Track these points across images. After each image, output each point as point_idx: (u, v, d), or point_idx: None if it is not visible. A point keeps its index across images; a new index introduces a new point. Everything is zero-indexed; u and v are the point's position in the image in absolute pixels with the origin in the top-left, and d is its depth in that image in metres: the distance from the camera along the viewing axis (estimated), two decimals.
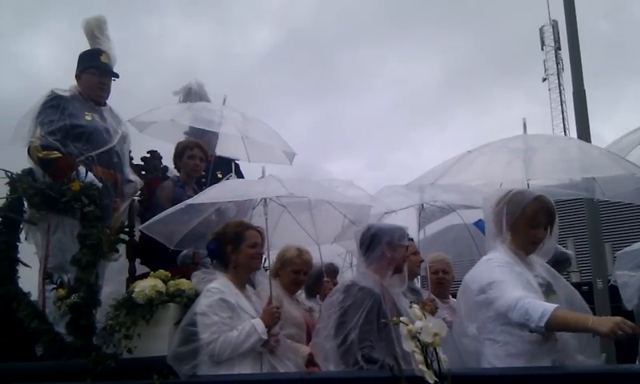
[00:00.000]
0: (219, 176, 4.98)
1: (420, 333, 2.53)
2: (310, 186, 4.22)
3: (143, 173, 4.66)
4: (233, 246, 3.42)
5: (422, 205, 4.63)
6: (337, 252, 4.77)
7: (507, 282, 2.69)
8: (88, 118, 4.30)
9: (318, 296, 4.58)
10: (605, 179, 4.14)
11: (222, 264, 3.46)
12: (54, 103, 4.25)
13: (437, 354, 2.52)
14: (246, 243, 3.41)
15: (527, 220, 2.87)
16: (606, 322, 2.32)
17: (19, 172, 4.12)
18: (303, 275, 4.02)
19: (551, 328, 2.53)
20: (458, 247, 5.07)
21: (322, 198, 4.03)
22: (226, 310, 3.19)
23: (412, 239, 4.19)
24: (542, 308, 2.51)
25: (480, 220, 4.41)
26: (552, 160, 3.67)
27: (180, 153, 4.55)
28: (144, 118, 4.60)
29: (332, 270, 4.97)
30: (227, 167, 5.14)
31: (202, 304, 3.20)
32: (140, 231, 4.15)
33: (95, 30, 4.58)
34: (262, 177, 3.94)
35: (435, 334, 2.53)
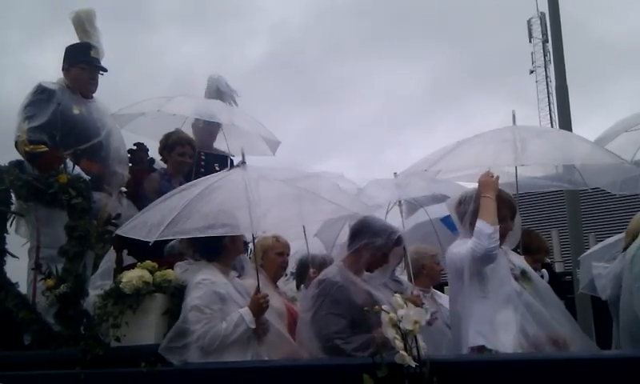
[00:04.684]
0: (217, 168, 4.89)
1: (400, 320, 2.63)
2: (286, 209, 3.63)
3: (130, 165, 4.65)
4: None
5: (400, 200, 4.61)
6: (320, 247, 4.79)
7: None
8: (76, 111, 4.33)
9: (302, 285, 4.63)
10: (589, 170, 4.29)
11: (213, 252, 3.45)
12: (42, 96, 4.27)
13: (416, 340, 2.62)
14: None
15: None
16: None
17: (6, 164, 4.14)
18: (286, 256, 4.10)
19: None
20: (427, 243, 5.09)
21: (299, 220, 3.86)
22: (217, 302, 3.24)
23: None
24: None
25: (449, 216, 4.45)
26: (542, 150, 3.84)
27: (171, 146, 4.49)
28: (127, 110, 4.58)
29: (320, 262, 4.98)
30: (224, 161, 5.12)
31: (193, 297, 3.23)
32: None
33: (86, 22, 4.58)
34: (243, 162, 3.71)
35: (415, 322, 2.64)
